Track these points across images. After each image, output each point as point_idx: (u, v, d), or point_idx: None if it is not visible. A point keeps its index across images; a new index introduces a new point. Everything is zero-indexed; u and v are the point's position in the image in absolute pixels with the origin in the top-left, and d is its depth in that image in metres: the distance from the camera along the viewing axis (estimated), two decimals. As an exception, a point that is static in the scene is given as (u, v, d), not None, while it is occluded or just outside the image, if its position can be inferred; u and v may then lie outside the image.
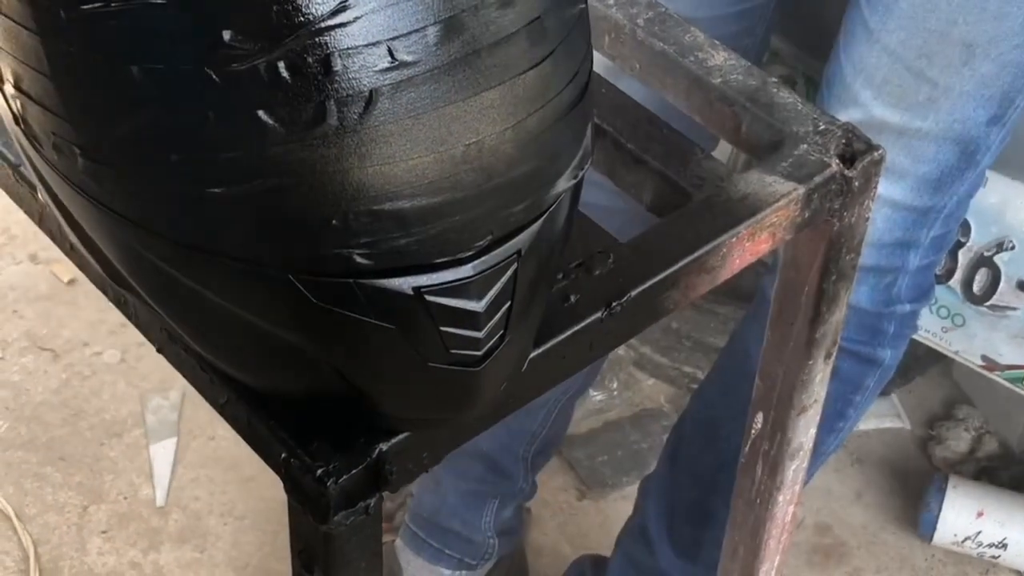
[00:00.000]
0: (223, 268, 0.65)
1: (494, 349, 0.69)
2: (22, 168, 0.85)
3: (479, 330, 0.67)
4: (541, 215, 0.68)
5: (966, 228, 1.48)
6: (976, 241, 1.48)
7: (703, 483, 1.34)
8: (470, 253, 0.66)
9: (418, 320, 0.66)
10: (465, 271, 0.66)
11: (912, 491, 1.82)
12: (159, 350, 0.80)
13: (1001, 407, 1.86)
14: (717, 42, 0.98)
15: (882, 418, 1.90)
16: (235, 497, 1.74)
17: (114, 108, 0.63)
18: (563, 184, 0.70)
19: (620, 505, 1.78)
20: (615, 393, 1.88)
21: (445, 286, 0.66)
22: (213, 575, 1.66)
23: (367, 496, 0.73)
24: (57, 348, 1.91)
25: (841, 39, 1.16)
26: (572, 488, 1.79)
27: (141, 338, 2.06)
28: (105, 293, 0.82)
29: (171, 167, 0.63)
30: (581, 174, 0.71)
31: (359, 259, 0.64)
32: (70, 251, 0.83)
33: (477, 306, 0.67)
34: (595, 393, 1.85)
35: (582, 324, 0.79)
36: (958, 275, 1.50)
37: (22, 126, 0.69)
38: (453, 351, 0.67)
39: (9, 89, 0.69)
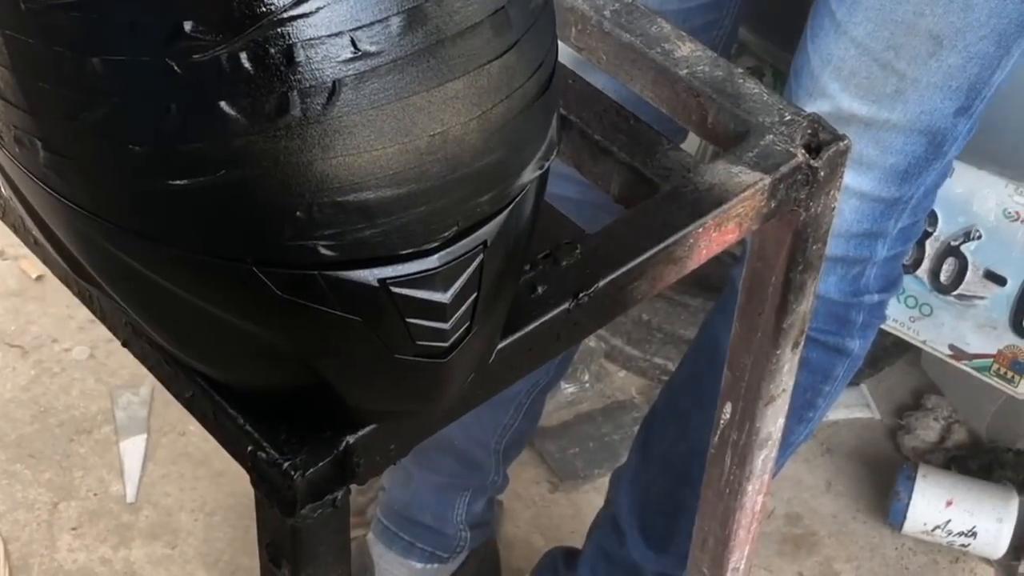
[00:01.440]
0: (186, 261, 0.65)
1: (461, 340, 0.69)
2: (-15, 162, 0.84)
3: (445, 321, 0.67)
4: (507, 206, 0.68)
5: (933, 218, 1.49)
6: (943, 231, 1.49)
7: (674, 474, 1.34)
8: (435, 244, 0.66)
9: (384, 312, 0.66)
10: (431, 262, 0.66)
11: (882, 480, 1.83)
12: (124, 344, 0.80)
13: (969, 397, 1.87)
14: (684, 33, 0.98)
15: (851, 408, 1.91)
16: (206, 493, 1.73)
17: (75, 100, 0.63)
18: (529, 175, 0.70)
19: (592, 497, 1.78)
20: (587, 385, 1.89)
21: (410, 277, 0.66)
22: (184, 571, 1.65)
23: (334, 489, 0.73)
24: (25, 345, 1.90)
25: (808, 31, 1.16)
26: (544, 480, 1.79)
27: (110, 334, 2.05)
28: (70, 288, 0.82)
29: (133, 159, 0.63)
30: (547, 164, 0.71)
31: (324, 251, 0.64)
32: (34, 245, 0.83)
33: (443, 297, 0.67)
34: (567, 385, 1.85)
35: (549, 315, 0.79)
36: (925, 265, 1.50)
37: (-17, 119, 0.69)
38: (420, 342, 0.67)
39: (-30, 82, 0.68)
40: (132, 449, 1.77)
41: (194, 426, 1.81)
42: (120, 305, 0.72)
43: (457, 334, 0.68)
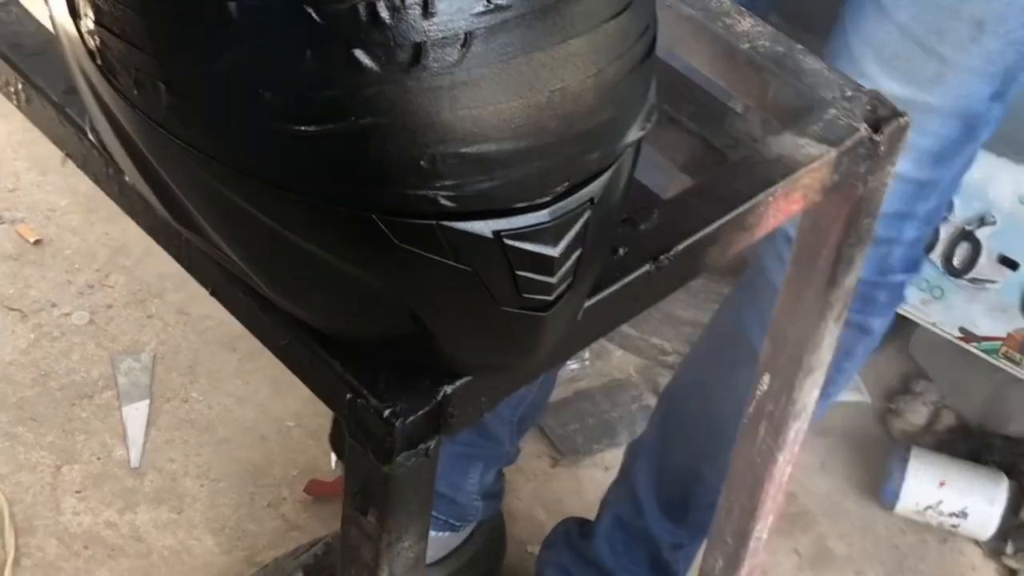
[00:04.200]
0: (306, 207, 0.66)
1: (562, 295, 0.70)
2: (68, 109, 0.85)
3: (552, 275, 0.69)
4: (612, 164, 0.70)
5: (949, 203, 1.52)
6: (958, 215, 1.52)
7: (693, 447, 1.37)
8: (548, 199, 0.67)
9: (495, 263, 0.67)
10: (542, 216, 0.68)
11: (873, 462, 1.86)
12: (212, 293, 0.80)
13: (957, 382, 1.91)
14: (743, 8, 1.00)
15: (843, 391, 1.94)
16: (210, 459, 1.74)
17: (208, 44, 0.64)
18: (633, 135, 0.71)
19: (592, 472, 1.80)
20: (587, 363, 1.91)
21: (523, 231, 0.67)
22: (191, 535, 1.66)
23: (428, 438, 0.74)
24: (24, 308, 1.89)
25: (847, 15, 1.18)
26: (545, 455, 1.81)
27: (110, 300, 2.04)
28: (155, 237, 0.82)
29: (262, 105, 0.64)
30: (649, 126, 0.73)
31: (444, 201, 0.65)
32: (117, 193, 0.83)
33: (552, 251, 0.68)
34: (569, 362, 1.87)
35: (631, 277, 0.81)
36: (939, 248, 1.54)
37: (98, 62, 0.69)
38: (525, 295, 0.69)
39: (88, 24, 0.69)
40: (135, 414, 1.77)
41: (197, 393, 1.83)
42: (222, 252, 0.73)
43: (560, 288, 0.70)
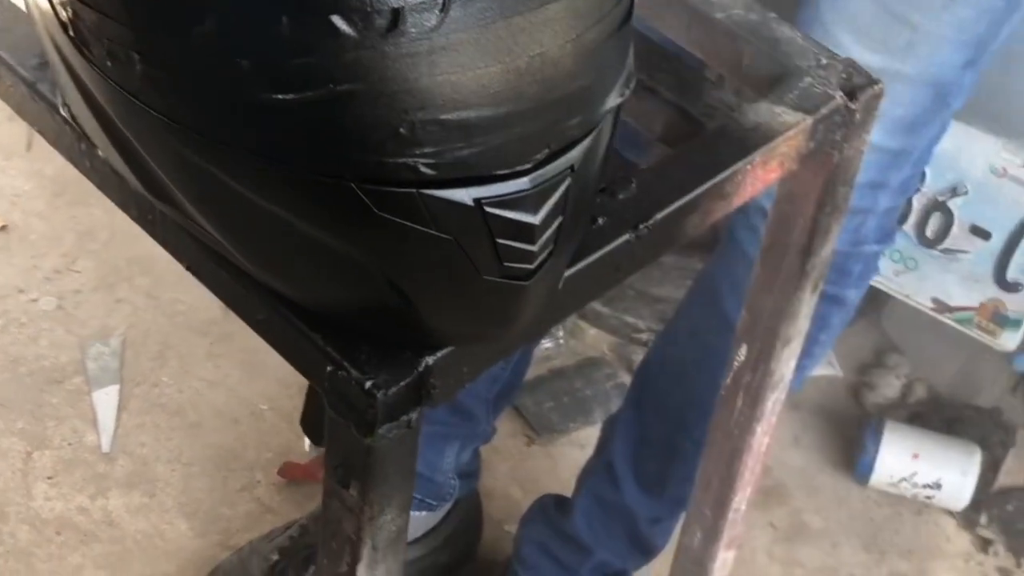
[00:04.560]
0: (285, 177, 0.65)
1: (543, 264, 0.70)
2: (39, 86, 0.83)
3: (533, 243, 0.68)
4: (592, 131, 0.70)
5: (921, 174, 1.53)
6: (930, 186, 1.53)
7: (670, 421, 1.37)
8: (528, 166, 0.67)
9: (476, 231, 0.67)
10: (523, 183, 0.67)
11: (846, 435, 1.87)
12: (189, 268, 0.80)
13: (929, 355, 1.92)
14: (717, -22, 0.99)
15: (818, 364, 1.95)
16: (182, 443, 1.72)
17: (182, 13, 0.63)
18: (612, 101, 0.71)
19: (567, 450, 1.80)
20: (561, 342, 1.91)
21: (504, 198, 0.67)
22: (164, 520, 1.65)
23: (409, 410, 0.74)
24: (-10, 294, 1.87)
25: (819, -16, 1.18)
26: (521, 434, 1.81)
27: (78, 284, 2.02)
28: (129, 213, 0.81)
29: (239, 73, 0.63)
30: (627, 92, 0.72)
31: (423, 168, 0.65)
32: (89, 169, 0.82)
33: (533, 218, 0.68)
34: (543, 341, 1.87)
35: (611, 246, 0.81)
36: (912, 219, 1.54)
37: (71, 33, 0.68)
38: (506, 263, 0.68)
39: (59, -5, 0.68)
40: (105, 399, 1.76)
41: (167, 377, 1.82)
42: (198, 225, 0.72)
43: (541, 257, 0.69)
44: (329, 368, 0.73)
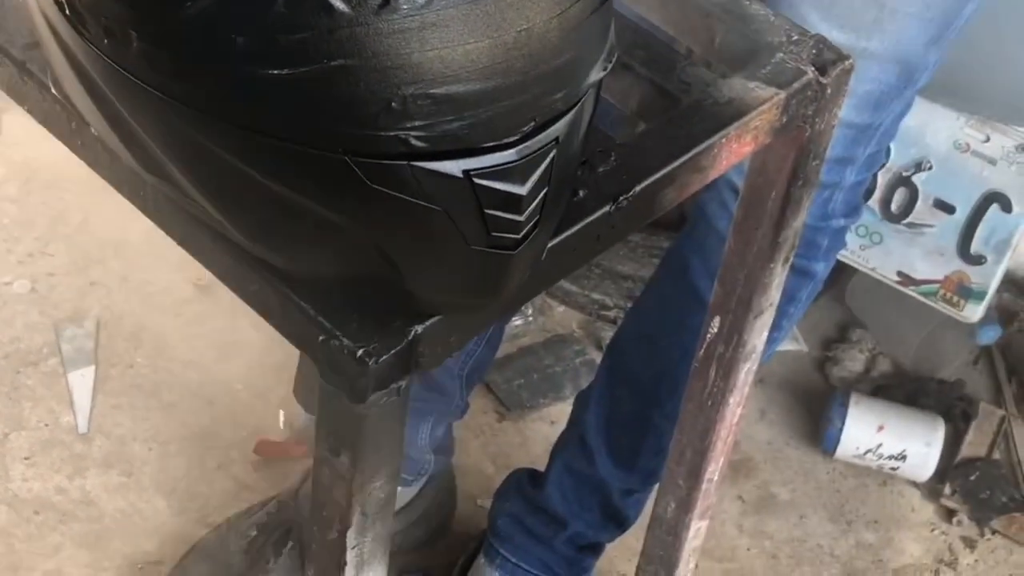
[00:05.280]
0: (278, 150, 0.67)
1: (529, 234, 0.72)
2: (29, 65, 0.85)
3: (520, 213, 0.71)
4: (576, 104, 0.72)
5: (886, 149, 1.56)
6: (895, 162, 1.56)
7: (642, 394, 1.39)
8: (515, 138, 0.69)
9: (465, 202, 0.69)
10: (510, 155, 0.69)
11: (812, 409, 1.90)
12: (180, 242, 0.81)
13: (891, 330, 1.96)
14: (689, -43, 1.02)
15: (786, 337, 1.98)
16: (158, 423, 1.74)
17: (180, -11, 0.64)
18: (595, 75, 0.73)
19: (538, 425, 1.83)
20: (530, 319, 1.93)
21: (492, 169, 0.69)
22: (142, 499, 1.66)
23: (399, 378, 0.76)
24: (-37, 278, 1.88)
25: (786, -37, 1.20)
26: (492, 410, 1.83)
27: (51, 268, 2.02)
28: (119, 189, 0.83)
29: (234, 49, 0.65)
30: (609, 66, 0.75)
31: (414, 141, 0.67)
32: (80, 147, 0.84)
33: (520, 189, 0.70)
34: (513, 319, 1.89)
35: (592, 217, 0.83)
36: (877, 194, 1.57)
37: (67, 12, 0.70)
38: (494, 233, 0.71)
39: (54, -27, 0.69)
40: (80, 381, 1.77)
41: (142, 358, 1.83)
42: (192, 199, 0.74)
43: (527, 227, 0.72)
44: (321, 337, 0.75)
